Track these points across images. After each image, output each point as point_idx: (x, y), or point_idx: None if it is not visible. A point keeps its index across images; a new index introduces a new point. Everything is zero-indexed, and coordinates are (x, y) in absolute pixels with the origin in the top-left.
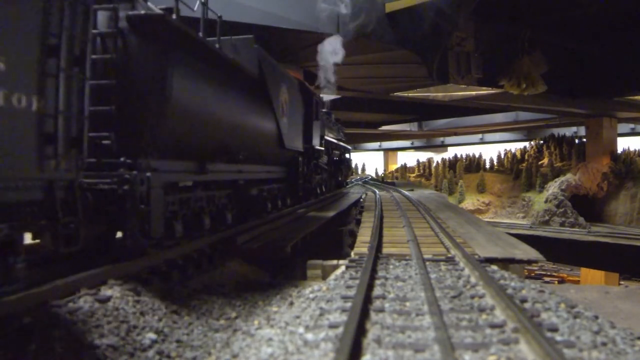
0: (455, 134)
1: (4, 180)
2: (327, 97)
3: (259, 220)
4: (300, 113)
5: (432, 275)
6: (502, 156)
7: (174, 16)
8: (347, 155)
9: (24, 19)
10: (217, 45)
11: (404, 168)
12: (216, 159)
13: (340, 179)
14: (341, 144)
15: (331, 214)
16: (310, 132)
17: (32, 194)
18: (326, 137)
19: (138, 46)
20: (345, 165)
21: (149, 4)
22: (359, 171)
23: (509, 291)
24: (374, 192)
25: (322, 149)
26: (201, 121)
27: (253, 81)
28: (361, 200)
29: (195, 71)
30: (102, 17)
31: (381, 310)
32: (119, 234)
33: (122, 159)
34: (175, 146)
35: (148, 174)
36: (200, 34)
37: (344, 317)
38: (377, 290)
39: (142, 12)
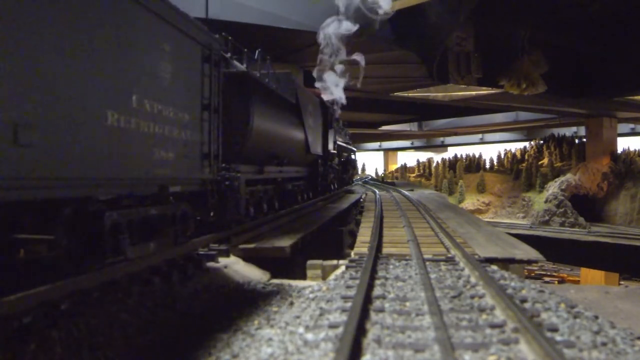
0: (455, 134)
1: (188, 179)
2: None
3: (260, 219)
4: (320, 124)
5: (432, 275)
6: (502, 156)
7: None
8: (352, 157)
9: (195, 94)
10: (266, 80)
11: (404, 168)
12: (269, 163)
13: (346, 177)
14: (348, 146)
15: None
16: (327, 138)
17: (196, 187)
18: (337, 142)
19: (231, 93)
20: (351, 166)
21: (236, 62)
22: (359, 171)
23: (509, 291)
24: (374, 192)
25: (335, 152)
26: (264, 138)
27: (292, 105)
28: (361, 200)
29: (262, 104)
30: None
31: (381, 310)
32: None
33: (223, 165)
34: (250, 155)
35: (239, 174)
36: (258, 73)
37: (344, 317)
38: (377, 290)
39: (234, 70)
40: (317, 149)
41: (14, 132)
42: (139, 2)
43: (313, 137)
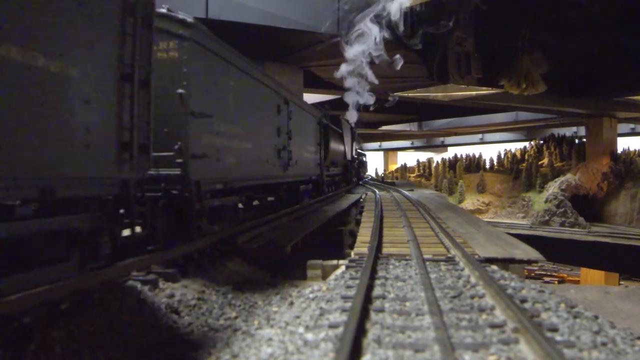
0: (455, 134)
1: (314, 174)
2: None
3: (260, 219)
4: (349, 138)
5: (432, 275)
6: (502, 156)
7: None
8: (364, 159)
9: (316, 138)
10: (330, 122)
11: (404, 168)
12: (330, 165)
13: (360, 175)
14: (361, 151)
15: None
16: (352, 148)
17: (316, 178)
18: (356, 149)
19: (324, 132)
20: (363, 166)
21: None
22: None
23: (509, 291)
24: (374, 192)
25: (355, 156)
26: (332, 153)
27: (339, 133)
28: (361, 200)
29: (332, 136)
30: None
31: (381, 310)
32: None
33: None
34: (325, 163)
35: (323, 172)
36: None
37: (344, 317)
38: (377, 290)
39: (325, 122)
40: (348, 155)
41: (296, 161)
42: (310, 112)
43: (348, 149)
